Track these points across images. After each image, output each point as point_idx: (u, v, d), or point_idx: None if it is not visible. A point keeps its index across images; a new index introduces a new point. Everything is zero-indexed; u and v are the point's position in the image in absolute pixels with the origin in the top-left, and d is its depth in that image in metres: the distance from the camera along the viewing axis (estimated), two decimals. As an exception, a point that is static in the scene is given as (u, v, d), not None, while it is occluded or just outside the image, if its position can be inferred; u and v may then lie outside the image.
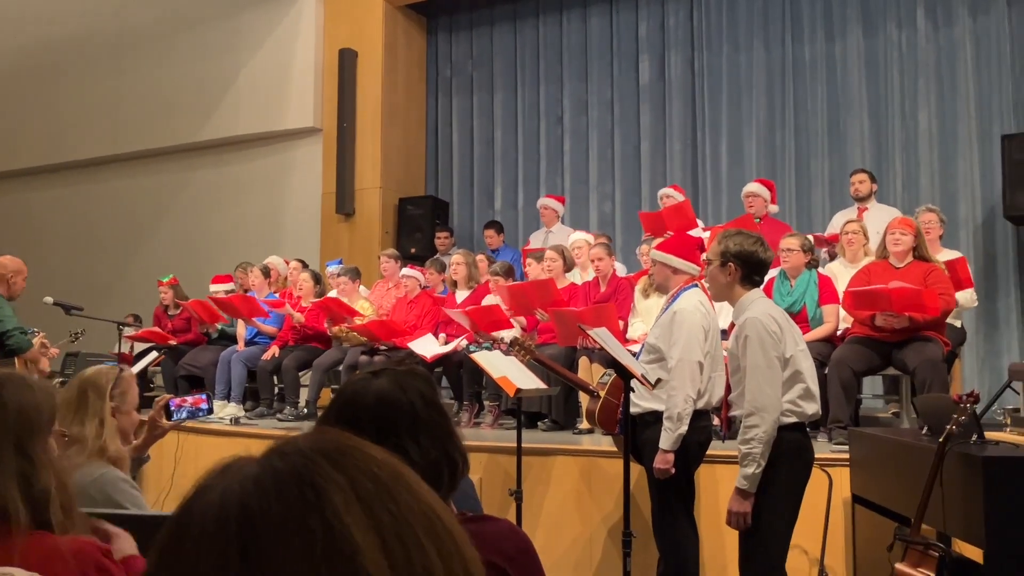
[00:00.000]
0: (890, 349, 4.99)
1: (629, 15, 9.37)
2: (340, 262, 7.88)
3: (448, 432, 1.58)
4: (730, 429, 4.82)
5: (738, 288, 3.33)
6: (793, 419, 3.23)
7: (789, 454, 3.20)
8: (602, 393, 4.18)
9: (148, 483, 6.03)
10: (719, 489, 4.48)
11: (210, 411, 3.47)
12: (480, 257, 7.51)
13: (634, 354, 4.12)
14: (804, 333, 4.64)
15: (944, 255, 5.74)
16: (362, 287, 7.53)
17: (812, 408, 3.28)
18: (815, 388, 3.29)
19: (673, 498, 3.88)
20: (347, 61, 9.55)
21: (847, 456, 4.22)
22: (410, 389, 1.59)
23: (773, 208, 6.93)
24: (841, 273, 5.70)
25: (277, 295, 7.66)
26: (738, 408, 3.28)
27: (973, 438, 3.14)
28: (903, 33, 8.17)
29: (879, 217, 6.24)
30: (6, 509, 1.53)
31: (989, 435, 3.29)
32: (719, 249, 3.34)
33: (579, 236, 6.97)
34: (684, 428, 3.72)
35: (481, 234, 9.05)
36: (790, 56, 8.60)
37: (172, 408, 3.22)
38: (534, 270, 6.61)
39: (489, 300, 6.78)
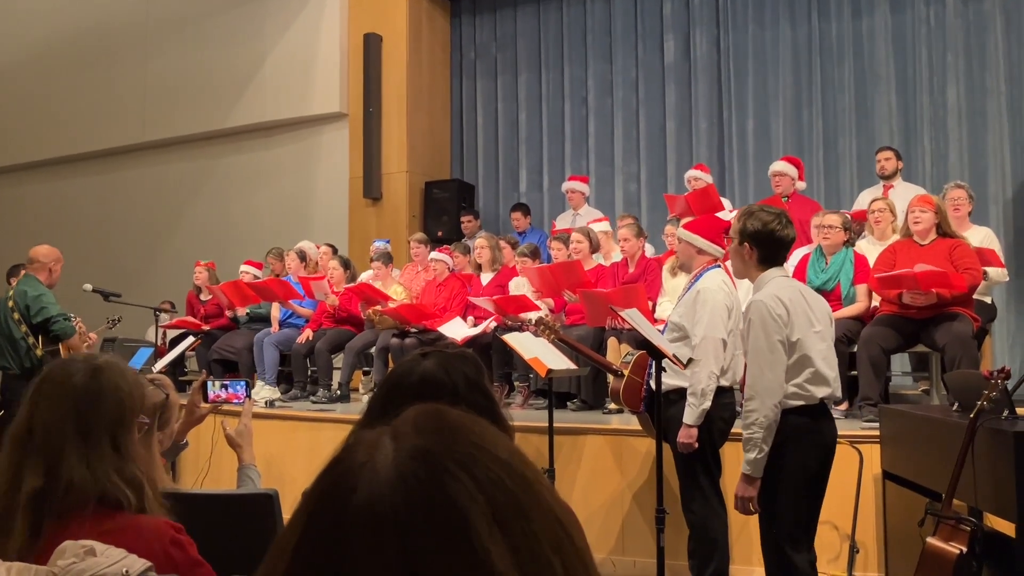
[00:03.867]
0: (919, 327, 4.99)
1: (653, -6, 9.33)
2: (388, 242, 7.96)
3: (492, 414, 1.63)
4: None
5: (755, 268, 3.30)
6: (800, 403, 3.17)
7: (795, 438, 3.16)
8: (626, 372, 4.23)
9: (186, 465, 6.16)
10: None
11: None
12: (505, 240, 7.54)
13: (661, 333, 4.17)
14: (835, 311, 4.65)
15: (973, 232, 5.71)
16: (394, 271, 7.62)
17: (823, 392, 3.20)
18: (828, 371, 3.22)
19: (700, 474, 3.93)
20: (372, 46, 9.59)
21: (877, 433, 4.25)
22: (454, 371, 1.65)
23: (800, 185, 6.91)
24: (869, 251, 5.69)
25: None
26: None
27: (1004, 414, 3.16)
28: (931, 8, 8.09)
29: (905, 195, 6.21)
30: (115, 496, 1.60)
31: (1021, 411, 3.30)
32: (737, 228, 3.32)
33: (602, 227, 6.99)
34: (708, 403, 3.78)
35: (507, 216, 9.10)
36: (816, 33, 8.53)
37: (209, 390, 3.27)
38: (559, 253, 6.65)
39: (516, 282, 6.83)
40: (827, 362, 3.23)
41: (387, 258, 7.40)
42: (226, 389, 3.28)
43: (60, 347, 5.69)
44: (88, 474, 1.61)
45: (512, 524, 0.61)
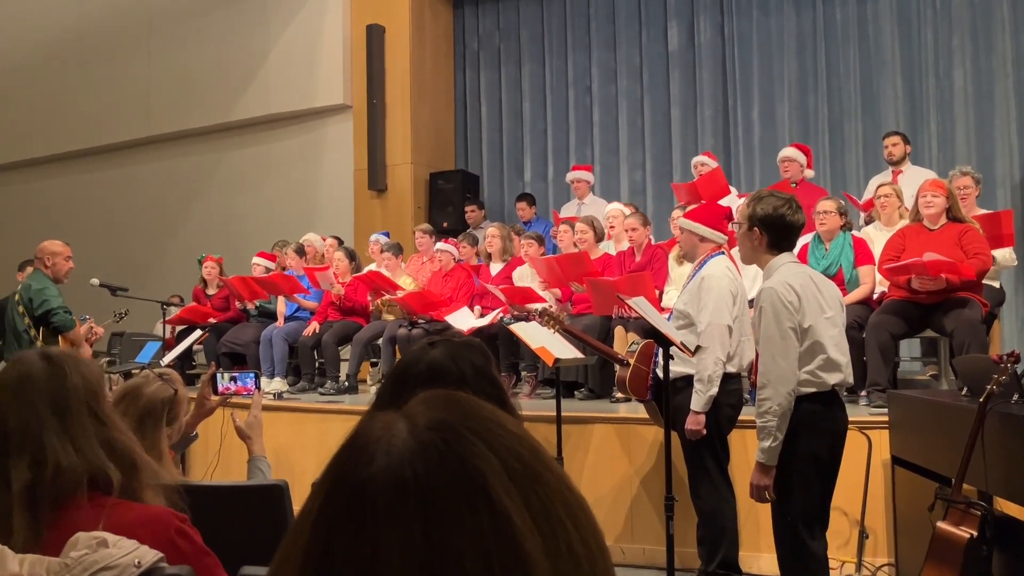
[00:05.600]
0: (927, 312, 4.98)
1: (656, -20, 9.28)
2: (387, 235, 7.97)
3: (500, 402, 1.62)
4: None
5: (765, 253, 3.27)
6: (812, 389, 3.15)
7: (807, 425, 3.14)
8: (632, 361, 4.23)
9: (195, 457, 6.19)
10: (751, 454, 4.52)
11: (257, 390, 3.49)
12: (515, 230, 7.55)
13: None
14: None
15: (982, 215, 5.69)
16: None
17: (835, 378, 3.18)
18: (840, 357, 3.19)
19: (708, 461, 3.94)
20: (375, 37, 9.57)
21: (886, 419, 4.24)
22: (462, 359, 1.65)
23: (809, 173, 6.89)
24: (876, 237, 5.68)
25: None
26: None
27: (1014, 398, 3.14)
28: (936, -11, 8.05)
29: (914, 179, 6.18)
30: (105, 475, 1.60)
31: (1030, 395, 3.29)
32: (747, 213, 3.28)
33: (615, 207, 6.97)
34: (715, 390, 3.79)
35: (512, 206, 9.08)
36: (821, 18, 8.49)
37: (218, 382, 3.28)
38: (566, 239, 6.64)
39: (520, 272, 6.84)
40: (839, 348, 3.20)
41: (397, 249, 7.41)
42: (235, 381, 3.28)
43: (60, 340, 5.71)
44: (74, 452, 1.59)
45: (528, 487, 0.62)
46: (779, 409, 3.08)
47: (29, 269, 6.54)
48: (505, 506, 0.60)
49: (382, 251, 7.41)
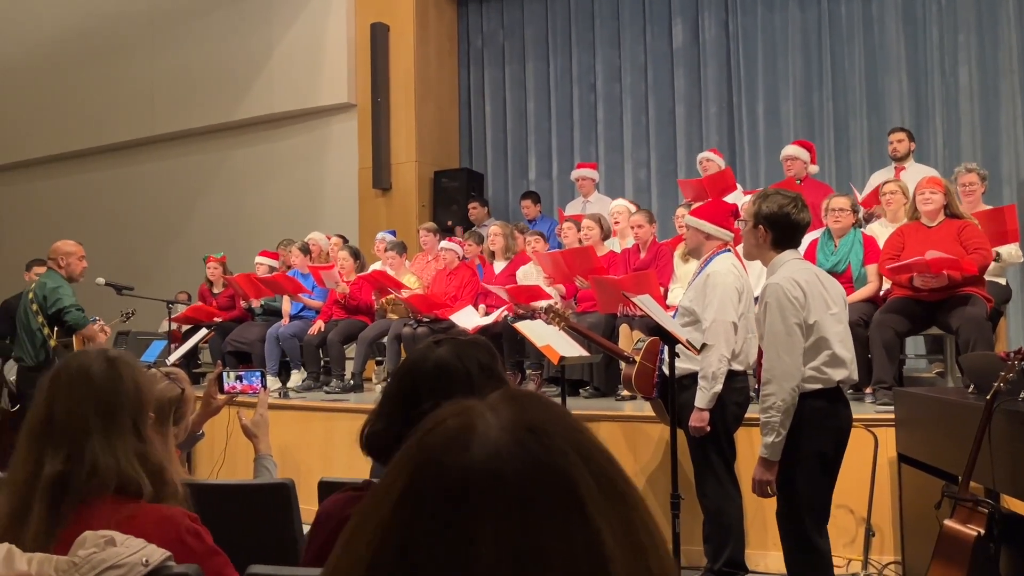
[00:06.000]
0: (932, 309, 4.96)
1: (660, -23, 9.27)
2: (394, 233, 7.97)
3: None
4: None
5: (770, 251, 3.28)
6: (817, 386, 3.15)
7: (812, 422, 3.14)
8: (637, 358, 4.23)
9: (201, 456, 6.19)
10: (757, 451, 4.51)
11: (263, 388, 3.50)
12: (518, 228, 7.55)
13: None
14: (847, 294, 4.63)
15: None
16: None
17: (840, 374, 3.18)
18: (845, 353, 3.19)
19: (714, 458, 3.93)
20: (379, 35, 9.57)
21: (892, 416, 4.22)
22: (468, 358, 1.65)
23: (813, 169, 6.88)
24: (881, 233, 5.66)
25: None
26: None
27: (1021, 395, 3.13)
28: (942, -14, 8.02)
29: (916, 176, 6.14)
30: (136, 483, 1.61)
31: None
32: (752, 210, 3.30)
33: (620, 203, 6.98)
34: (719, 387, 3.78)
35: (516, 205, 9.08)
36: (826, 14, 8.48)
37: (224, 381, 3.28)
38: (570, 236, 6.64)
39: (524, 271, 6.83)
40: (844, 344, 3.21)
41: (401, 248, 7.42)
42: (241, 380, 3.28)
43: (74, 339, 5.73)
44: (112, 459, 1.61)
45: (616, 508, 0.62)
46: (783, 405, 3.09)
47: (38, 268, 6.55)
48: (597, 524, 0.60)
49: (386, 250, 7.42)
